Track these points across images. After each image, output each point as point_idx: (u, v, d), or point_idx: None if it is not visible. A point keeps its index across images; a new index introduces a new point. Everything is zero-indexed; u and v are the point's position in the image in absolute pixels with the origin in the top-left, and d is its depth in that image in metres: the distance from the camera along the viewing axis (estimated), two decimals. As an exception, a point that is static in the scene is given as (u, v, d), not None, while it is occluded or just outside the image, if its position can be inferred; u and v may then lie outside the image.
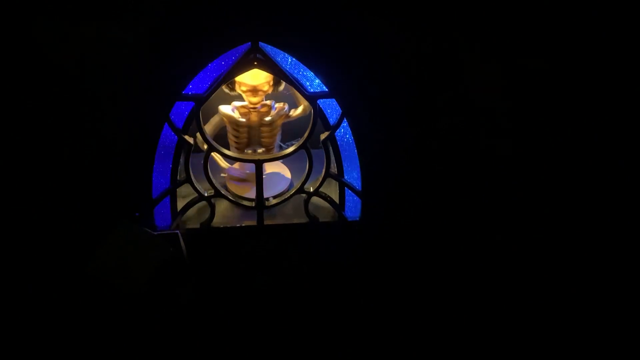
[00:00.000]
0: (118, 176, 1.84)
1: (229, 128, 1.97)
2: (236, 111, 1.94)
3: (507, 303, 1.85)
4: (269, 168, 2.11)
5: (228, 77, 1.75)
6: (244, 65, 1.73)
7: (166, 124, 1.78)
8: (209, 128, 1.94)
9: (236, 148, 1.99)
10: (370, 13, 1.73)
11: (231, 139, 1.99)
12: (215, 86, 1.75)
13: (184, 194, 1.98)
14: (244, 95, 1.90)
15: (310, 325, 1.79)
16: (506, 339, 1.77)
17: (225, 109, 1.95)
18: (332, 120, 1.87)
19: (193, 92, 1.77)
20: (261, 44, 1.70)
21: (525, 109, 1.95)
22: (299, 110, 1.97)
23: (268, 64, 1.73)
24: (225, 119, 1.96)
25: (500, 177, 2.01)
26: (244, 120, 1.93)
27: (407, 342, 1.76)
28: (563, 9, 1.83)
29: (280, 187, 2.06)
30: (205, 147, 1.89)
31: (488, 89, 1.88)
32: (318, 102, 1.82)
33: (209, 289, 1.85)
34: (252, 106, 1.92)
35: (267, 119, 1.94)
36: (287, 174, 2.12)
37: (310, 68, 1.75)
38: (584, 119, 1.98)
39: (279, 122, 1.98)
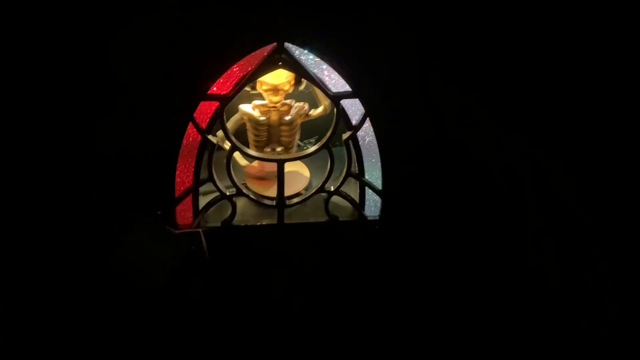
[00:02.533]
0: (141, 174, 1.84)
1: (248, 126, 1.98)
2: (256, 110, 1.95)
3: (525, 303, 1.87)
4: (288, 167, 2.11)
5: (253, 77, 1.76)
6: (268, 66, 1.74)
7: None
8: (229, 126, 1.94)
9: (255, 146, 2.00)
10: (395, 13, 1.73)
11: (251, 137, 2.00)
12: (239, 86, 1.76)
13: (205, 192, 1.99)
14: (264, 94, 1.91)
15: (329, 324, 1.81)
16: (525, 336, 1.79)
17: (245, 107, 1.96)
18: (354, 120, 1.88)
19: (217, 92, 1.77)
20: (286, 44, 1.71)
21: (550, 114, 1.94)
22: (319, 109, 1.98)
23: (293, 64, 1.74)
24: (245, 117, 1.96)
25: (521, 179, 2.01)
26: (264, 118, 1.94)
27: (426, 341, 1.78)
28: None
29: (300, 186, 2.08)
30: (227, 146, 1.90)
31: (513, 91, 1.89)
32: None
33: (230, 287, 1.86)
34: (272, 105, 1.93)
35: (287, 118, 1.95)
36: (306, 172, 2.13)
37: (335, 68, 1.76)
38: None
39: (299, 121, 1.99)
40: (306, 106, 1.98)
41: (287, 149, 2.02)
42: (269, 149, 2.00)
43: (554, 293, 1.90)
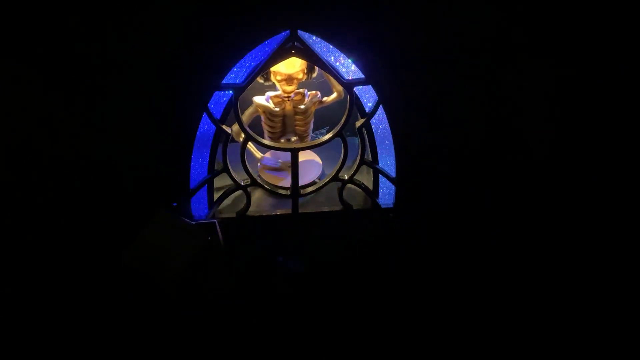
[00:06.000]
0: (157, 166, 1.85)
1: (263, 118, 1.98)
2: (270, 101, 1.95)
3: (542, 292, 1.87)
4: (302, 156, 2.11)
5: (266, 66, 1.76)
6: (282, 54, 1.73)
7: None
8: (243, 119, 1.94)
9: (271, 137, 2.00)
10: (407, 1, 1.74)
11: (266, 128, 2.00)
12: (253, 75, 1.76)
13: (219, 183, 2.00)
14: (278, 84, 1.91)
15: (344, 312, 1.81)
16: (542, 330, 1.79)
17: (259, 99, 1.96)
18: (367, 108, 1.88)
19: (230, 81, 1.77)
20: (299, 32, 1.71)
21: (560, 101, 1.95)
22: (333, 95, 1.98)
23: (306, 52, 1.74)
24: (259, 109, 1.96)
25: (535, 165, 2.01)
26: (278, 109, 1.94)
27: (439, 328, 1.78)
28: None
29: (313, 175, 2.08)
30: (242, 137, 1.90)
31: (525, 82, 1.89)
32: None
33: (245, 276, 1.86)
34: (286, 95, 1.93)
35: (301, 106, 1.95)
36: (319, 162, 2.13)
37: (348, 55, 1.76)
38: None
39: (313, 109, 1.99)
40: (318, 94, 1.98)
41: (302, 138, 2.02)
42: (284, 140, 2.01)
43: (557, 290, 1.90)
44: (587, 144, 2.00)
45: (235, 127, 1.89)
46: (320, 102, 1.99)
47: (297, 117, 1.98)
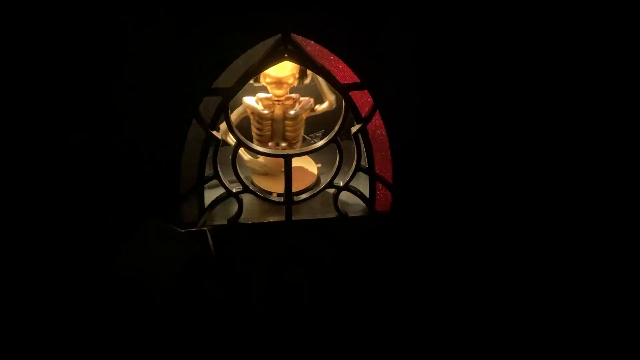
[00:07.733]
0: (146, 172, 1.80)
1: (252, 120, 1.94)
2: (260, 103, 1.90)
3: (539, 299, 1.85)
4: (295, 162, 2.06)
5: (258, 70, 1.71)
6: (274, 57, 1.69)
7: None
8: (232, 118, 1.89)
9: (258, 141, 1.95)
10: (403, 3, 1.68)
11: (254, 131, 1.95)
12: (244, 79, 1.71)
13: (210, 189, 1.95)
14: (268, 87, 1.86)
15: (339, 322, 1.79)
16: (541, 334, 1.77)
17: (249, 100, 1.91)
18: (363, 113, 1.83)
19: (221, 85, 1.72)
20: (292, 34, 1.66)
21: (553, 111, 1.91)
22: (325, 105, 1.94)
23: (299, 56, 1.69)
24: (248, 110, 1.92)
25: (535, 170, 1.97)
26: (267, 112, 1.89)
27: (437, 335, 1.76)
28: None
29: (307, 182, 2.03)
30: (232, 141, 1.85)
31: (521, 85, 1.85)
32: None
33: (237, 285, 1.84)
34: (276, 98, 1.88)
35: (292, 112, 1.90)
36: (314, 167, 2.09)
37: (342, 59, 1.71)
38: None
39: (304, 116, 1.94)
40: (312, 101, 1.93)
41: (291, 144, 1.97)
42: (272, 144, 1.96)
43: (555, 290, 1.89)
44: (589, 143, 1.96)
45: (223, 125, 1.84)
46: (312, 110, 1.94)
47: (287, 122, 1.93)
